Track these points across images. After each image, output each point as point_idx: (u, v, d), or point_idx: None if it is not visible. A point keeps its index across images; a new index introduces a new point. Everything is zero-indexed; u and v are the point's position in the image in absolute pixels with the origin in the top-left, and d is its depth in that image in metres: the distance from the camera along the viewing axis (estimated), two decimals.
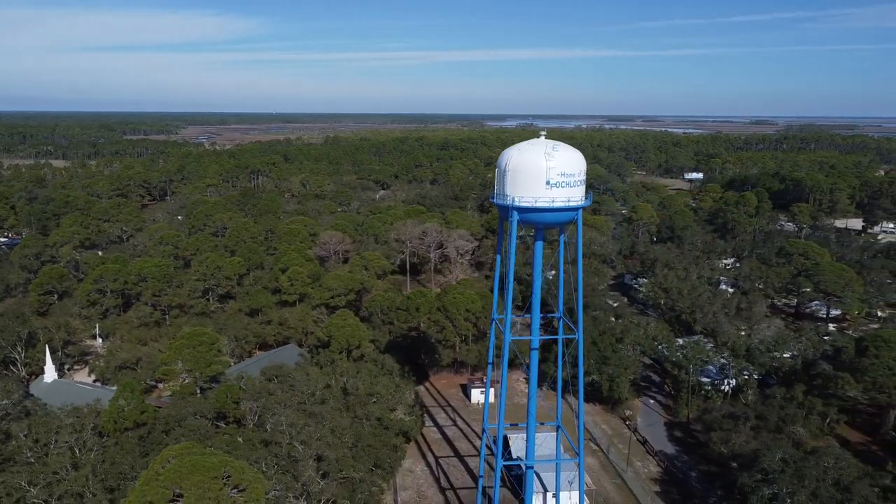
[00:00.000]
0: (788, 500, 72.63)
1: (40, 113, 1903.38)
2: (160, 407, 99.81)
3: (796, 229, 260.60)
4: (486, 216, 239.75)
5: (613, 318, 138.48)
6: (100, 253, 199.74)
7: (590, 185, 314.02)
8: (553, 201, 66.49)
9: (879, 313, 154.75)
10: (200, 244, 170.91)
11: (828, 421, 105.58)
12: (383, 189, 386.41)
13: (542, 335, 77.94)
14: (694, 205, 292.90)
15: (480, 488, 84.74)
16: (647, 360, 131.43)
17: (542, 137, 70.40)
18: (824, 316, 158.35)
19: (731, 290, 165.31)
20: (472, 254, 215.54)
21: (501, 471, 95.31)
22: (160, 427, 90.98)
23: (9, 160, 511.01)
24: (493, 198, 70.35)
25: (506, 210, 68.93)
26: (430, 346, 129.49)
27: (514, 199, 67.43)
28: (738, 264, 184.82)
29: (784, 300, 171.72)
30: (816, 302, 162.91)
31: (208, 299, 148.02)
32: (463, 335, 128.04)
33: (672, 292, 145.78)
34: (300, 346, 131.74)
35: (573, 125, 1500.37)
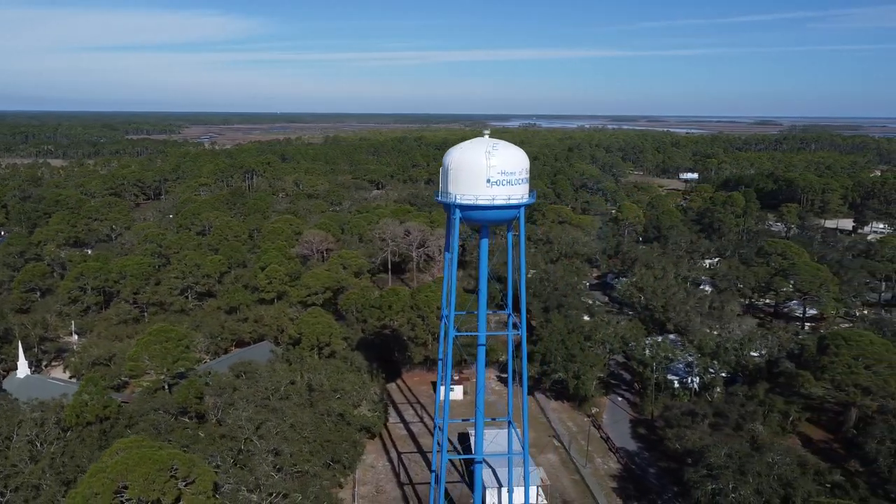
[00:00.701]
0: (732, 495, 73.53)
1: (44, 112, 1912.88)
2: (127, 402, 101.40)
3: (785, 229, 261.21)
4: None
5: (587, 317, 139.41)
6: (89, 251, 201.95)
7: (582, 185, 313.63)
8: (493, 199, 67.56)
9: (858, 313, 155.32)
10: (183, 242, 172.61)
11: (791, 419, 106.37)
12: (378, 189, 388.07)
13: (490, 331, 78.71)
14: (685, 205, 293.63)
15: (433, 483, 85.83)
16: (621, 359, 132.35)
17: (486, 136, 71.48)
18: (800, 315, 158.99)
19: (710, 289, 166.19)
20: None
21: (457, 466, 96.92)
22: (123, 421, 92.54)
23: (8, 159, 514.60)
24: (437, 196, 71.47)
25: (449, 208, 70.11)
26: (403, 344, 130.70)
27: (455, 196, 68.58)
28: (720, 264, 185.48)
29: (765, 300, 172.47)
30: (794, 302, 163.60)
31: (187, 297, 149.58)
32: (434, 333, 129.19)
33: (646, 291, 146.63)
34: (276, 343, 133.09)
35: (576, 125, 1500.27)
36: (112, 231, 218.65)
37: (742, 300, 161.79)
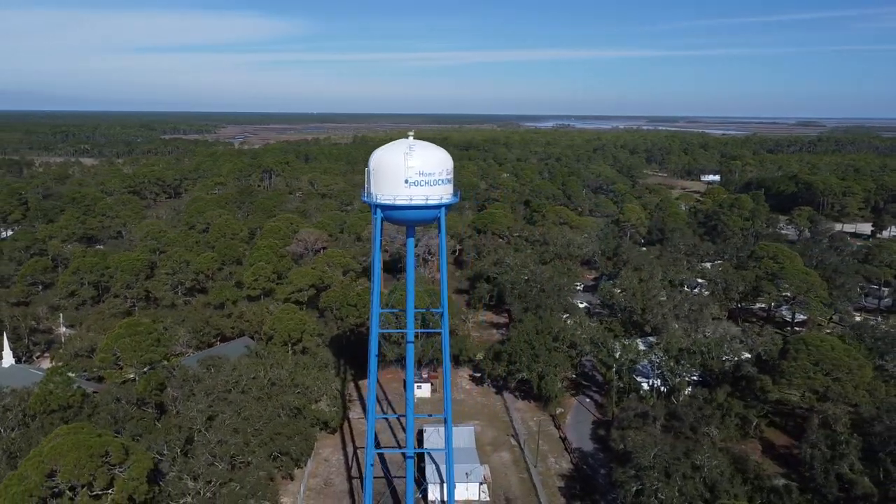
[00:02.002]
0: (655, 497, 73.84)
1: (85, 112, 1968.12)
2: (96, 392, 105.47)
3: (797, 233, 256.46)
4: (473, 216, 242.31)
5: (565, 317, 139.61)
6: (100, 247, 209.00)
7: (598, 187, 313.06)
8: (411, 199, 69.12)
9: (848, 318, 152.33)
10: (181, 240, 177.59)
11: (755, 424, 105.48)
12: None
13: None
14: (696, 207, 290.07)
15: (366, 476, 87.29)
16: (593, 360, 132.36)
17: (410, 137, 72.98)
18: (790, 320, 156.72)
19: (707, 293, 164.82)
20: (452, 252, 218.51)
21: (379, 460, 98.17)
22: (87, 410, 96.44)
23: (46, 158, 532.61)
24: (363, 196, 73.26)
25: (373, 208, 71.88)
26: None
27: (377, 196, 70.34)
28: (714, 267, 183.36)
29: (759, 304, 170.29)
30: (785, 307, 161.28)
31: (176, 292, 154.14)
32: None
33: (627, 293, 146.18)
34: (254, 339, 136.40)
35: (610, 126, 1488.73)
36: (123, 228, 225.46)
37: (730, 304, 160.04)
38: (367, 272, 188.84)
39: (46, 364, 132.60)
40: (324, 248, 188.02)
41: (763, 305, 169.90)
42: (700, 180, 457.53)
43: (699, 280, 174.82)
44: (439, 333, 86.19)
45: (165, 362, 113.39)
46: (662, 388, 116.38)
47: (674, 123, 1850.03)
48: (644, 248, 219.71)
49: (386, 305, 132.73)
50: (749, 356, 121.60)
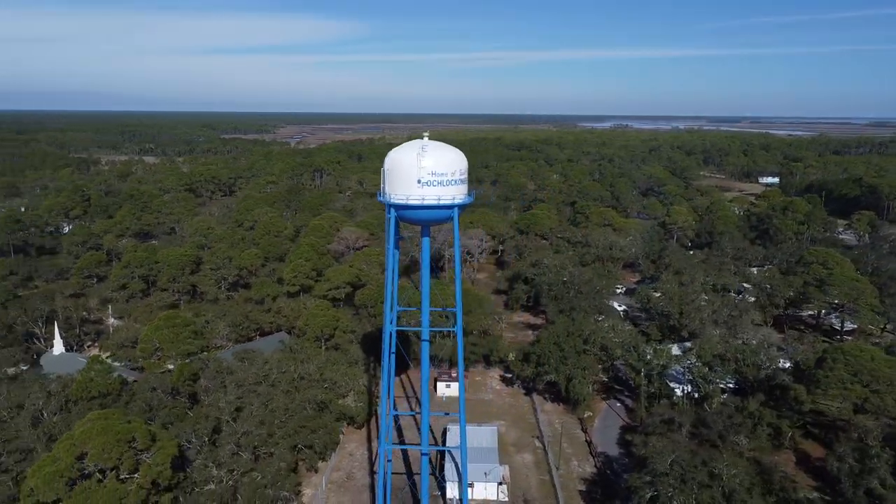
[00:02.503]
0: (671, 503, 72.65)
1: (152, 112, 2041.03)
2: (136, 380, 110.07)
3: (857, 238, 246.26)
4: (517, 216, 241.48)
5: (598, 320, 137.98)
6: (154, 242, 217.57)
7: (649, 189, 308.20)
8: (423, 199, 69.89)
9: None
10: (227, 236, 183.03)
11: (790, 435, 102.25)
12: None
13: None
14: (751, 210, 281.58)
15: (380, 471, 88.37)
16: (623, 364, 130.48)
17: (425, 138, 73.71)
18: (839, 329, 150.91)
19: (752, 298, 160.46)
20: (495, 252, 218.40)
21: (432, 460, 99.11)
22: (125, 398, 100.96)
23: (112, 156, 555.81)
24: (379, 196, 74.41)
25: (387, 207, 72.98)
26: (409, 340, 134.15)
27: (390, 196, 71.40)
28: (760, 272, 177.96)
29: (809, 311, 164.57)
30: (835, 314, 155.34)
31: (220, 287, 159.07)
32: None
33: (664, 297, 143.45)
34: (290, 334, 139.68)
35: (670, 126, 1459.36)
36: (176, 224, 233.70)
37: (775, 310, 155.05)
38: (406, 271, 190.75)
39: (95, 353, 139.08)
40: (364, 246, 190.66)
41: (812, 313, 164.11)
42: (758, 182, 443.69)
43: (745, 285, 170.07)
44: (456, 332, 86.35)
45: (203, 354, 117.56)
46: (695, 395, 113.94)
47: (736, 124, 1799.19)
48: (691, 252, 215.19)
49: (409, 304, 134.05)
50: (788, 365, 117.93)
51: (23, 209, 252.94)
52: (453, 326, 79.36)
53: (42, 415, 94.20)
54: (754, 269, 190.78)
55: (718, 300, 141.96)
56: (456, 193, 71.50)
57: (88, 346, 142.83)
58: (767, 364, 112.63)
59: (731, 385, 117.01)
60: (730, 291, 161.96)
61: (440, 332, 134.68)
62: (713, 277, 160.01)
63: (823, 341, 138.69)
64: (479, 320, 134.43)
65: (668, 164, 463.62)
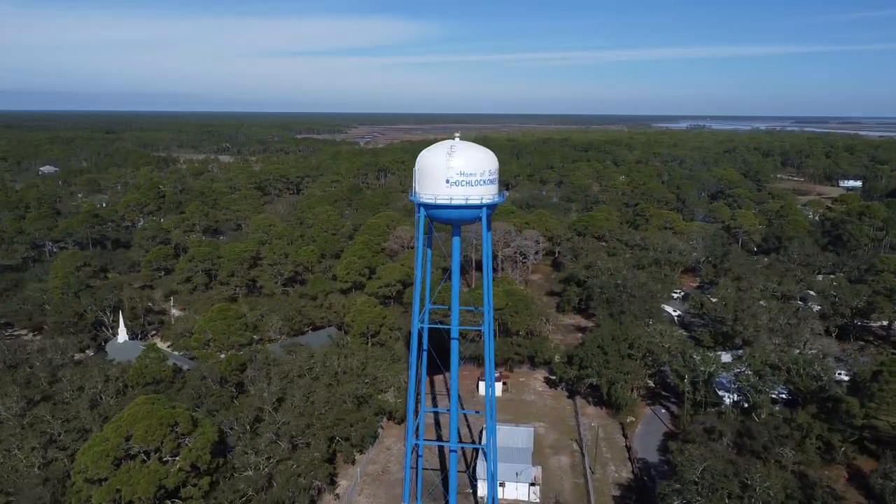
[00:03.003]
0: None
1: (230, 113, 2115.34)
2: (188, 369, 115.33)
3: None
4: (576, 218, 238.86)
5: (648, 324, 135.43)
6: (222, 238, 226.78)
7: (719, 192, 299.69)
8: (451, 199, 70.80)
9: None
10: (287, 233, 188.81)
11: (843, 449, 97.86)
12: (506, 189, 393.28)
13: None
14: (826, 214, 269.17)
15: (406, 465, 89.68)
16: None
17: (457, 138, 74.57)
18: None
19: (817, 306, 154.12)
20: (552, 254, 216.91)
21: (467, 458, 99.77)
22: (177, 385, 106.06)
23: (191, 155, 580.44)
24: (410, 195, 75.69)
25: (416, 206, 74.22)
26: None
27: (420, 196, 72.62)
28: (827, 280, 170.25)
29: (880, 322, 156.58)
30: None
31: (276, 282, 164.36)
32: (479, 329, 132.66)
33: (718, 303, 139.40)
34: (339, 329, 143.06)
35: (749, 127, 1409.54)
36: (242, 221, 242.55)
37: (840, 320, 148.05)
38: (461, 271, 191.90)
39: (159, 342, 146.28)
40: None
41: (883, 324, 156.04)
42: (839, 186, 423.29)
43: (810, 293, 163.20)
44: (486, 331, 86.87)
45: (252, 345, 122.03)
46: (744, 404, 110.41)
47: (823, 124, 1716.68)
48: (755, 257, 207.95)
49: (465, 303, 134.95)
50: (846, 377, 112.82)
51: (103, 204, 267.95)
52: (484, 326, 79.55)
53: (101, 398, 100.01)
54: (821, 277, 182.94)
55: (776, 307, 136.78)
56: (484, 193, 72.08)
57: (152, 336, 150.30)
58: (822, 375, 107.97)
59: (783, 396, 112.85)
60: (793, 299, 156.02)
61: (479, 332, 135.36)
62: (775, 284, 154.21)
63: (892, 354, 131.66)
64: (525, 321, 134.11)
65: (742, 166, 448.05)
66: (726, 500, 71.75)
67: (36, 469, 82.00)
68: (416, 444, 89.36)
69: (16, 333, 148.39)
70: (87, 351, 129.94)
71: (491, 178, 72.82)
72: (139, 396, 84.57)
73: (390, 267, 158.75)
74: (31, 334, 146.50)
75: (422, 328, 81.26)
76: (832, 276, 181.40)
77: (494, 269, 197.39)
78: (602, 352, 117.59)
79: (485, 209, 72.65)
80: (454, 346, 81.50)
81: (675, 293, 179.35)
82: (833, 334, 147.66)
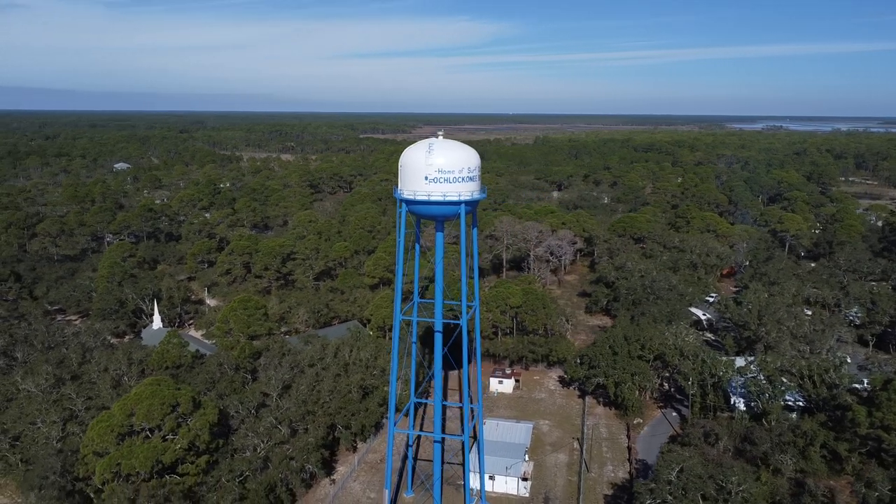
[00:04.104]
0: None
1: (300, 113, 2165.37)
2: (207, 353, 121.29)
3: None
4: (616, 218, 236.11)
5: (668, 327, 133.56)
6: (270, 233, 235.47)
7: (777, 194, 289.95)
8: (430, 196, 73.05)
9: None
10: (324, 229, 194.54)
11: (849, 459, 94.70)
12: (559, 189, 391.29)
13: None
14: (889, 220, 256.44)
15: (388, 454, 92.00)
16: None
17: (440, 136, 76.71)
18: None
19: (858, 314, 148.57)
20: (591, 255, 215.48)
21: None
22: (197, 370, 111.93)
23: (255, 153, 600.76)
24: (395, 191, 78.28)
25: (398, 202, 76.82)
26: (469, 335, 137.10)
27: (402, 192, 75.18)
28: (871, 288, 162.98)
29: None
30: None
31: (308, 276, 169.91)
32: (495, 327, 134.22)
33: (743, 307, 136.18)
34: (363, 322, 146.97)
35: (830, 128, 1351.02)
36: (289, 217, 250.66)
37: (876, 328, 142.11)
38: (495, 269, 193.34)
39: (192, 331, 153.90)
40: (453, 242, 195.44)
41: None
42: None
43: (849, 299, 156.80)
44: (465, 324, 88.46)
45: (273, 335, 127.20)
46: (756, 410, 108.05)
47: None
48: (802, 262, 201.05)
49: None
50: (867, 386, 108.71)
51: (164, 200, 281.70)
52: (462, 320, 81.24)
53: (124, 379, 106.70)
54: (874, 284, 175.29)
55: (802, 313, 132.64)
56: (463, 190, 74.00)
57: (189, 324, 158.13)
58: (837, 383, 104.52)
59: (800, 404, 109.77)
60: (828, 306, 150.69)
61: (497, 329, 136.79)
62: (806, 290, 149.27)
63: None
64: (542, 320, 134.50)
65: (810, 168, 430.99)
66: (700, 502, 71.22)
67: (54, 442, 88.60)
68: (416, 436, 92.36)
69: (68, 319, 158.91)
70: (126, 337, 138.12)
71: (470, 175, 74.62)
72: (148, 378, 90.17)
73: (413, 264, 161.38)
74: (79, 319, 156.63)
75: (405, 320, 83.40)
76: (881, 283, 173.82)
77: (521, 269, 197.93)
78: (612, 352, 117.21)
79: (463, 205, 74.52)
80: (438, 339, 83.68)
81: (711, 297, 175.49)
82: (870, 343, 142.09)
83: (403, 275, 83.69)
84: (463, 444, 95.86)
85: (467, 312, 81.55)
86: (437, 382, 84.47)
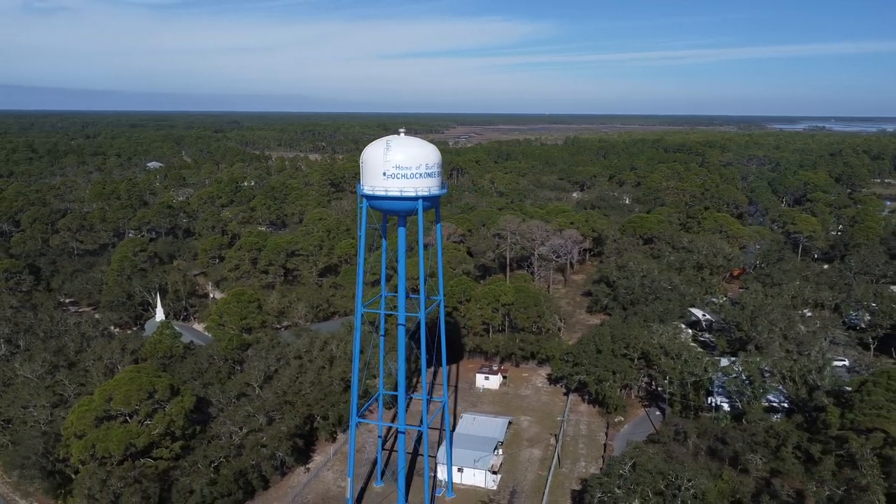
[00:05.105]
0: None
1: (336, 114, 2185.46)
2: (202, 344, 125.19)
3: None
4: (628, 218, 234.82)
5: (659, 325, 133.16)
6: (286, 231, 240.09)
7: (803, 196, 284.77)
8: (387, 191, 75.01)
9: None
10: (332, 227, 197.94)
11: (820, 460, 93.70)
12: (581, 190, 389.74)
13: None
14: None
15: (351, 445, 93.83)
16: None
17: (401, 133, 78.59)
18: None
19: (867, 316, 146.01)
20: (601, 254, 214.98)
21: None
22: (189, 360, 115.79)
23: (286, 153, 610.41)
24: (358, 187, 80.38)
25: (359, 197, 78.92)
26: (460, 331, 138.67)
27: (363, 187, 77.28)
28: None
29: None
30: None
31: (311, 272, 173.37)
32: (486, 324, 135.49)
33: (736, 307, 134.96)
34: None
35: (875, 129, 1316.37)
36: (303, 215, 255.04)
37: (877, 331, 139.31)
38: (489, 267, 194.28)
39: (196, 323, 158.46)
40: (461, 240, 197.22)
41: None
42: None
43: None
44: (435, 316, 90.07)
45: (266, 327, 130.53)
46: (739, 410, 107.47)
47: None
48: (816, 264, 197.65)
49: (467, 300, 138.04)
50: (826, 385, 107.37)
51: (187, 197, 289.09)
52: (417, 312, 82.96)
53: (118, 368, 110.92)
54: (886, 287, 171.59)
55: (796, 314, 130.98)
56: (420, 186, 75.72)
57: (194, 317, 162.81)
58: (818, 384, 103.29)
59: (785, 405, 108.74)
60: (834, 308, 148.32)
61: (487, 325, 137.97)
62: (807, 292, 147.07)
63: None
64: (532, 318, 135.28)
65: (843, 169, 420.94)
66: (649, 497, 71.73)
67: (41, 425, 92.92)
68: (397, 429, 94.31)
69: (80, 310, 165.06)
70: (133, 328, 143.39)
71: (428, 171, 76.29)
72: (131, 366, 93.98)
73: (414, 261, 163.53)
74: (92, 311, 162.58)
75: (362, 313, 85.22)
76: (892, 286, 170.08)
77: (522, 268, 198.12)
78: (596, 350, 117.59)
79: (420, 201, 76.22)
80: (401, 332, 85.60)
81: (721, 298, 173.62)
82: (871, 346, 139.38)
83: (366, 268, 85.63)
84: (441, 435, 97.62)
85: (427, 307, 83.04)
86: (401, 375, 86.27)
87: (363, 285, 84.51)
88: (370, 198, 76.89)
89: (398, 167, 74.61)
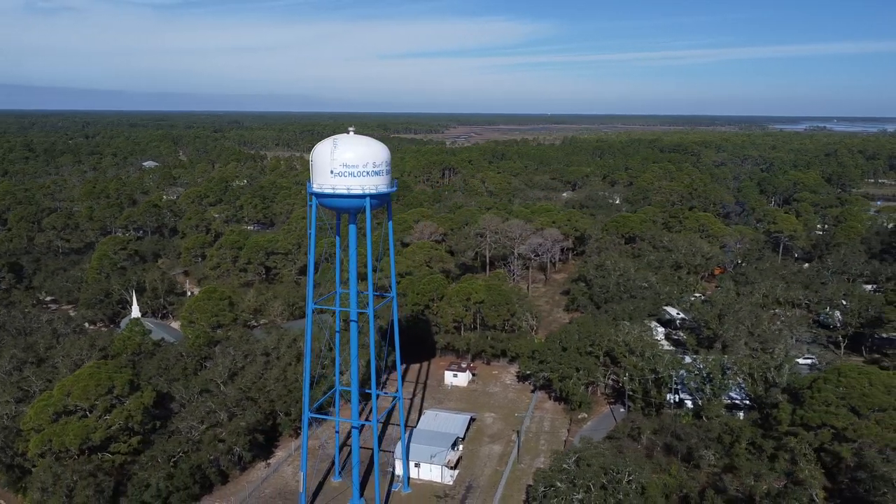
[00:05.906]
0: (556, 499, 72.69)
1: (336, 113, 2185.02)
2: (173, 341, 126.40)
3: None
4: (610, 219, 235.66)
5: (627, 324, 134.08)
6: (271, 229, 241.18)
7: (790, 196, 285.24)
8: (335, 189, 76.09)
9: None
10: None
11: (779, 457, 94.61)
12: (573, 189, 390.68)
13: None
14: None
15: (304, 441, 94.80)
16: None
17: (351, 132, 79.62)
18: None
19: (839, 316, 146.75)
20: (583, 254, 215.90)
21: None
22: (158, 356, 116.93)
23: (283, 153, 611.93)
24: (308, 185, 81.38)
25: (308, 195, 79.95)
26: (432, 329, 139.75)
27: (312, 185, 78.35)
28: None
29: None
30: None
31: (290, 270, 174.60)
32: (457, 321, 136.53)
33: (705, 306, 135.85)
34: None
35: (877, 129, 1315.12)
36: (289, 214, 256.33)
37: (846, 330, 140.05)
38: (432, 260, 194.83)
39: (173, 321, 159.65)
40: (442, 240, 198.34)
41: None
42: None
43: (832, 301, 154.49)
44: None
45: (230, 324, 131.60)
46: (674, 401, 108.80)
47: None
48: (796, 263, 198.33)
49: (439, 298, 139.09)
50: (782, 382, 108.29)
51: (177, 196, 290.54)
52: (365, 308, 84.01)
53: (83, 363, 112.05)
54: (869, 287, 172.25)
55: (764, 313, 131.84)
56: (367, 184, 76.76)
57: (173, 314, 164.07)
58: (776, 381, 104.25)
59: (747, 402, 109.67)
60: (805, 306, 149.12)
61: (459, 323, 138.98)
62: (778, 290, 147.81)
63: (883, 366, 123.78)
64: (503, 316, 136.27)
65: (836, 169, 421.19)
66: (591, 490, 72.73)
67: (4, 420, 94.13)
68: (363, 425, 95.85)
69: (61, 308, 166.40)
70: (110, 325, 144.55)
71: (376, 169, 77.37)
72: (91, 362, 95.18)
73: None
74: (72, 309, 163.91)
75: (318, 309, 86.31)
76: (867, 286, 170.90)
77: (497, 266, 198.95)
78: (561, 348, 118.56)
79: (368, 199, 77.22)
80: (353, 328, 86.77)
81: (694, 296, 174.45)
82: (842, 345, 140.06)
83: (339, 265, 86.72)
84: (405, 432, 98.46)
85: (375, 303, 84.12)
86: (354, 370, 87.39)
87: (313, 283, 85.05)
88: (319, 196, 77.96)
89: (345, 165, 75.69)
